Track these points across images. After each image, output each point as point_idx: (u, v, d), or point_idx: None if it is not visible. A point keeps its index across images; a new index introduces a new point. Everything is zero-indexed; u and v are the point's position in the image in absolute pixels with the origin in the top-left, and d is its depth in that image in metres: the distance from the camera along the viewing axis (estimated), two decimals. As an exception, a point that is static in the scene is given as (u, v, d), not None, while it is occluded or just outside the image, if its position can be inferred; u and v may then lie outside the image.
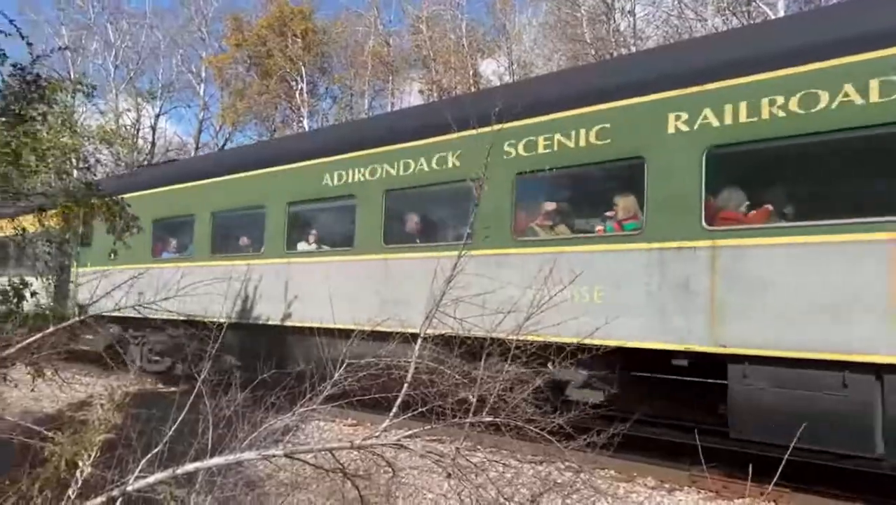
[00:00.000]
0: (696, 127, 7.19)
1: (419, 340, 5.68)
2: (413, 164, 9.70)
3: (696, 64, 7.50)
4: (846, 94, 6.36)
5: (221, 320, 7.16)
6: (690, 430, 8.57)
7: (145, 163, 35.22)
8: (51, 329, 5.65)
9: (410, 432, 5.24)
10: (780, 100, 6.71)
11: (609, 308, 7.47)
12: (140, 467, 4.56)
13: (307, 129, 33.09)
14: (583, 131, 8.01)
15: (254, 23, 37.10)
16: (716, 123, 7.06)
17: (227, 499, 5.39)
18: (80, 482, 4.33)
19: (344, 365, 5.45)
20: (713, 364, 6.97)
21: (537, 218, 8.58)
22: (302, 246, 11.60)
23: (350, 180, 10.64)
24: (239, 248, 12.76)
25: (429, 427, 5.31)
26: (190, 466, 4.70)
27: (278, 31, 35.15)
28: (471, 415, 5.18)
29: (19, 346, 5.37)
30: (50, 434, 4.76)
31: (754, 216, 6.92)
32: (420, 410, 5.33)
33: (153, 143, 39.32)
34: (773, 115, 6.75)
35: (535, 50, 33.04)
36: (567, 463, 7.20)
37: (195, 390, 5.32)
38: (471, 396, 5.21)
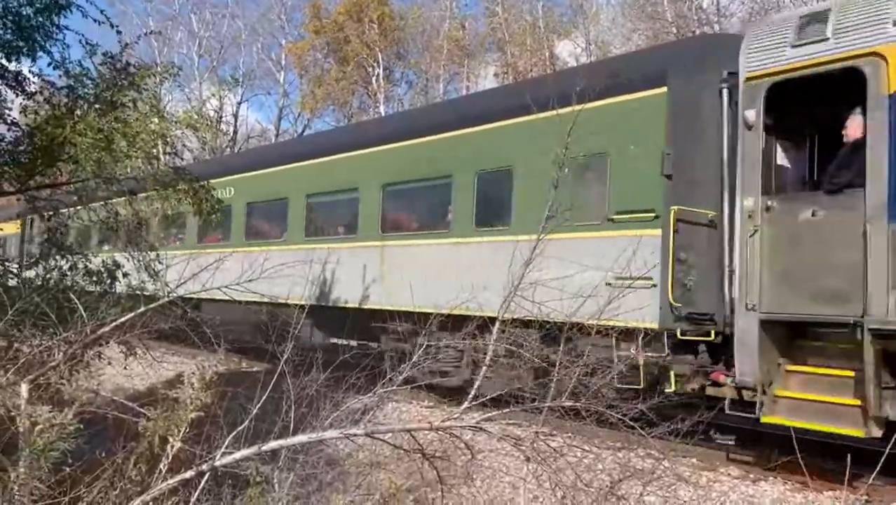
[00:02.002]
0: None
1: (497, 324, 5.65)
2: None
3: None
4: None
5: (303, 303, 7.65)
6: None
7: (227, 150, 36.23)
8: (141, 309, 5.85)
9: (489, 415, 5.22)
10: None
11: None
12: (226, 444, 4.68)
13: (383, 114, 33.31)
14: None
15: (332, 10, 37.51)
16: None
17: (308, 476, 5.50)
18: (170, 457, 4.48)
19: (423, 347, 5.47)
20: None
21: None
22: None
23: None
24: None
25: (507, 410, 5.29)
26: (274, 444, 4.81)
27: (355, 18, 35.41)
28: (549, 399, 5.14)
29: (113, 325, 5.57)
30: (143, 410, 4.94)
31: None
32: (498, 392, 5.30)
33: (235, 130, 40.38)
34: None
35: (613, 30, 32.33)
36: (648, 450, 7.07)
37: (278, 370, 5.43)
38: (550, 380, 5.16)
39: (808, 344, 7.02)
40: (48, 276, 7.76)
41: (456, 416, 5.31)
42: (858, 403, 6.20)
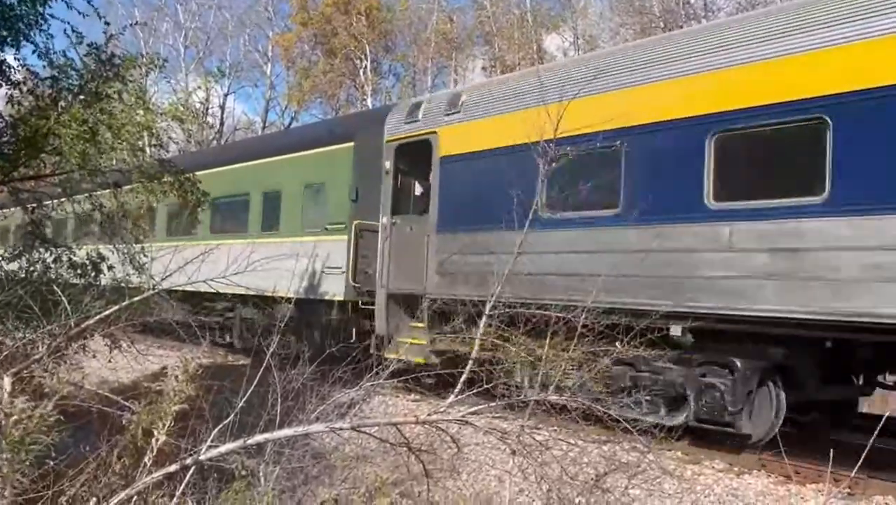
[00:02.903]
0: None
1: (483, 318, 5.66)
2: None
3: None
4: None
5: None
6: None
7: (213, 142, 36.02)
8: (126, 302, 5.82)
9: (475, 409, 5.24)
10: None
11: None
12: (212, 437, 4.66)
13: (371, 107, 33.21)
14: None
15: (319, 1, 37.27)
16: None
17: (294, 470, 5.50)
18: (155, 451, 4.46)
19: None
20: None
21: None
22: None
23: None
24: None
25: (493, 404, 5.30)
26: (259, 438, 4.79)
27: (343, 10, 35.21)
28: (536, 393, 5.16)
29: (97, 317, 5.54)
30: (127, 404, 4.92)
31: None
32: (485, 386, 5.31)
33: (222, 122, 40.12)
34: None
35: (602, 24, 32.34)
36: (633, 443, 7.11)
37: (264, 363, 5.41)
38: (536, 375, 5.18)
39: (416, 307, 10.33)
40: (31, 268, 7.70)
41: (442, 409, 5.32)
42: (425, 341, 9.82)
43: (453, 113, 9.92)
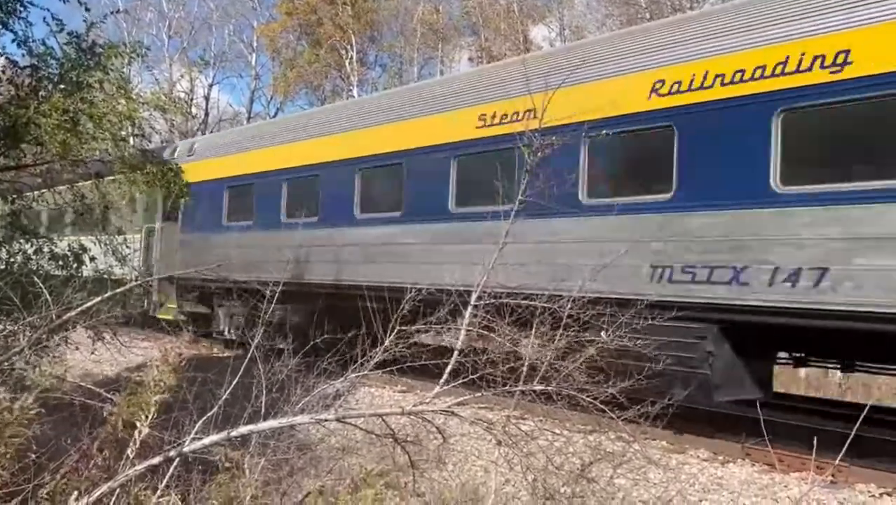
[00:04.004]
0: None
1: (469, 307, 5.64)
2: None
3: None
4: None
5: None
6: (744, 402, 8.42)
7: (198, 133, 35.73)
8: (108, 293, 5.76)
9: (460, 400, 5.22)
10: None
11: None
12: (196, 430, 4.63)
13: (357, 97, 33.02)
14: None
15: (304, -10, 36.97)
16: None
17: (279, 462, 5.47)
18: (138, 443, 4.42)
19: (395, 332, 5.44)
20: None
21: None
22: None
23: None
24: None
25: (479, 395, 5.29)
26: (244, 429, 4.76)
27: (328, 0, 35.01)
28: (521, 383, 5.14)
29: (79, 309, 5.48)
30: (109, 396, 4.87)
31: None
32: (471, 377, 5.30)
33: (206, 113, 39.81)
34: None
35: (588, 14, 32.29)
36: (618, 433, 7.13)
37: (248, 355, 5.38)
38: (522, 365, 5.17)
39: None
40: (12, 259, 7.61)
41: (428, 400, 5.30)
42: (175, 306, 15.91)
43: (189, 155, 15.61)
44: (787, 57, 6.89)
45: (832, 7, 6.79)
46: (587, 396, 5.08)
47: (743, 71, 7.17)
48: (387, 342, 5.43)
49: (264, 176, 13.46)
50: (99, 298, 5.72)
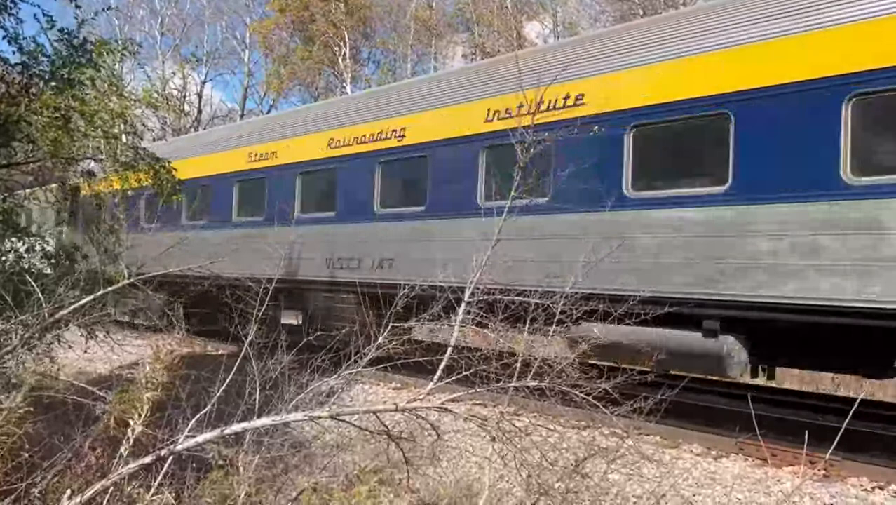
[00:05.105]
0: None
1: (462, 304, 5.65)
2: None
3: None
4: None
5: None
6: (737, 396, 8.44)
7: (191, 130, 35.60)
8: (100, 291, 5.74)
9: (454, 396, 5.23)
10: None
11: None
12: (189, 427, 4.63)
13: (350, 94, 32.95)
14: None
15: (297, -14, 36.84)
16: None
17: (273, 459, 5.47)
18: (131, 441, 4.42)
19: (388, 328, 5.44)
20: None
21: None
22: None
23: None
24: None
25: (472, 391, 5.29)
26: (237, 427, 4.76)
27: (321, -4, 34.92)
28: (515, 379, 5.15)
29: (71, 308, 5.46)
30: (102, 394, 4.86)
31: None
32: (464, 373, 5.30)
33: (199, 110, 39.66)
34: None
35: (582, 10, 32.31)
36: (612, 429, 7.15)
37: (242, 352, 5.37)
38: (516, 361, 5.18)
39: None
40: (3, 258, 7.57)
41: (422, 397, 5.31)
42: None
43: None
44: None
45: None
46: (580, 393, 5.09)
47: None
48: (381, 339, 5.43)
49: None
50: (91, 297, 5.70)
